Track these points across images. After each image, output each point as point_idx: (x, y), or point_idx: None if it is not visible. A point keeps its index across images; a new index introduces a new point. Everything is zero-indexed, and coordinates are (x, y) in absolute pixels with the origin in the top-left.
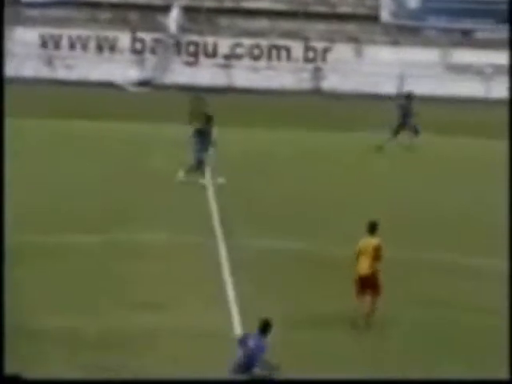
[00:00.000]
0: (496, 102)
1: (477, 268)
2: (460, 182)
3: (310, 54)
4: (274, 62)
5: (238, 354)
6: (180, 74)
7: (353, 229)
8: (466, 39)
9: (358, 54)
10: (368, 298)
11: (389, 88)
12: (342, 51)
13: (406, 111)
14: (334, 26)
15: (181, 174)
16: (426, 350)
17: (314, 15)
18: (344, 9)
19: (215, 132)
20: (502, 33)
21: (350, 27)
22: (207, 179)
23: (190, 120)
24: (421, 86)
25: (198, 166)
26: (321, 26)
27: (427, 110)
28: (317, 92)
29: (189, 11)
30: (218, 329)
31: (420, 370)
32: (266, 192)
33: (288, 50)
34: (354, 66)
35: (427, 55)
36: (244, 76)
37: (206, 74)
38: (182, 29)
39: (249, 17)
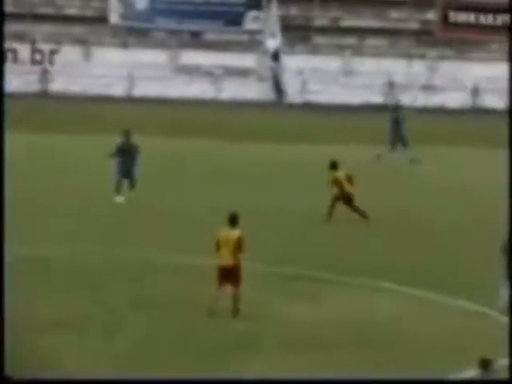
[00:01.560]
0: (226, 103)
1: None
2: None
3: (37, 57)
4: None
5: None
6: None
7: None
8: (195, 41)
9: (87, 56)
10: (229, 289)
11: (118, 90)
12: (69, 53)
13: (397, 122)
14: (61, 28)
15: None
16: (153, 353)
17: (41, 17)
18: (71, 11)
19: None
20: (230, 34)
21: (78, 29)
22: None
23: None
24: (150, 88)
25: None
26: (48, 28)
27: (156, 112)
28: (44, 95)
29: None
30: None
31: (153, 373)
32: None
33: (14, 52)
34: (82, 68)
35: (156, 57)
36: None
37: None
38: None
39: None
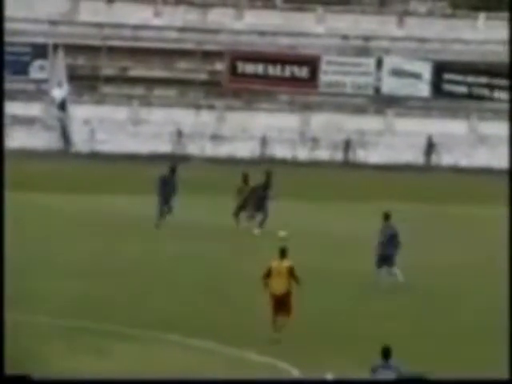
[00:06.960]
0: (14, 152)
1: None
2: None
3: None
4: None
5: None
6: None
7: None
8: None
9: None
10: (280, 316)
11: None
12: None
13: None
14: None
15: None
16: None
17: None
18: None
19: None
20: (17, 83)
21: None
22: None
23: None
24: None
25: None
26: None
27: None
28: None
29: None
30: None
31: None
32: None
33: None
34: None
35: None
36: None
37: None
38: None
39: None
